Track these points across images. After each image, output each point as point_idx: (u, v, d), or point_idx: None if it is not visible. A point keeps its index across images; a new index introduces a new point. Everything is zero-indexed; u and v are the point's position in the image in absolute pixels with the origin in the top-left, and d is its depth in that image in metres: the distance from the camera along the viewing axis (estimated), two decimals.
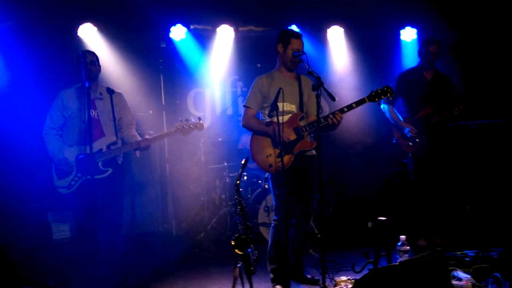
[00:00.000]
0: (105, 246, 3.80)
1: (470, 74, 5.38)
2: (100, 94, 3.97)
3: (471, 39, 5.57)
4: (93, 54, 3.97)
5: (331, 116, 3.42)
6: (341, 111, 3.43)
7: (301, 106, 3.62)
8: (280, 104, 3.30)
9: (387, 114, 4.56)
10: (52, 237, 4.64)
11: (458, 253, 3.83)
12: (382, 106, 4.61)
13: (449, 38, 5.39)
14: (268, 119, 3.53)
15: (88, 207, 3.64)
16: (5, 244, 4.27)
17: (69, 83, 4.01)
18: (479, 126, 5.22)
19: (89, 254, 3.66)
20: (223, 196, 5.33)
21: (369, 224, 3.68)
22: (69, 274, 3.84)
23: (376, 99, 3.46)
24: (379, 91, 3.45)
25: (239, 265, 3.25)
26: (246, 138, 5.25)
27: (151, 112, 5.70)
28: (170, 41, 5.69)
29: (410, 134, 4.36)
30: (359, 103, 3.45)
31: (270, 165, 3.49)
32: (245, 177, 5.23)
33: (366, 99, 3.46)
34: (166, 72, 5.90)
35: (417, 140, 4.39)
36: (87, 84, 3.47)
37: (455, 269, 3.40)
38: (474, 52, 5.52)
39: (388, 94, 3.44)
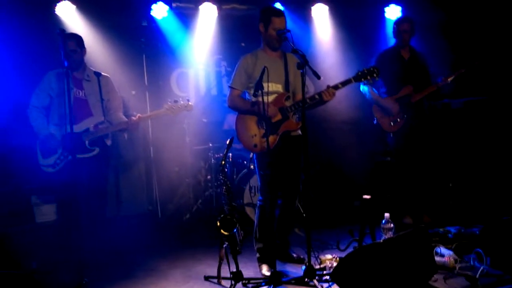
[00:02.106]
0: (89, 227, 3.77)
1: (456, 52, 5.40)
2: (88, 76, 3.95)
3: (455, 17, 5.56)
4: (73, 40, 3.85)
5: (316, 96, 3.39)
6: (335, 87, 3.40)
7: (287, 85, 3.58)
8: (265, 84, 3.24)
9: (367, 95, 4.57)
10: (35, 220, 4.58)
11: (441, 229, 3.89)
12: (362, 87, 4.61)
13: (433, 15, 5.38)
14: (254, 99, 3.49)
15: (73, 186, 3.59)
16: None
17: (48, 63, 3.93)
18: (461, 104, 5.26)
19: (73, 237, 3.63)
20: (208, 177, 5.31)
21: (355, 203, 3.71)
22: (53, 257, 3.81)
23: (362, 79, 3.43)
24: (366, 71, 3.42)
25: (225, 245, 3.27)
26: (231, 119, 5.21)
27: (133, 92, 5.60)
28: (152, 20, 5.55)
29: (391, 112, 4.38)
30: (345, 83, 3.42)
31: (255, 145, 3.47)
32: (231, 158, 5.21)
33: (352, 80, 3.43)
34: (148, 51, 5.77)
35: (398, 119, 4.41)
36: (66, 64, 3.39)
37: (438, 246, 3.46)
38: (459, 29, 5.52)
39: (375, 75, 3.41)
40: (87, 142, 3.81)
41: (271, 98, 3.48)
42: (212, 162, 5.20)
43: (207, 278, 3.44)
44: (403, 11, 5.90)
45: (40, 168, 3.83)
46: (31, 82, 4.06)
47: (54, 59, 3.98)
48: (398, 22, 4.53)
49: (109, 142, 4.01)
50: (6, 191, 4.47)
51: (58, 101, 3.83)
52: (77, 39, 3.90)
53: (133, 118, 3.89)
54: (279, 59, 3.61)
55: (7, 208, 4.37)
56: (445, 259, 3.27)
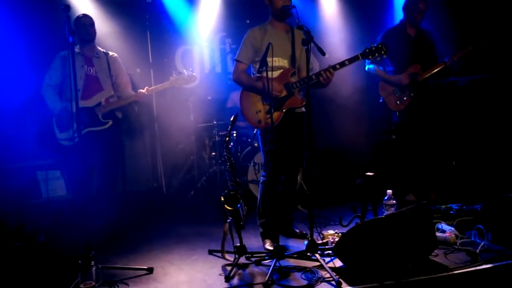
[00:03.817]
0: (97, 204, 3.85)
1: (463, 29, 5.33)
2: (97, 53, 4.10)
3: None
4: (90, 17, 4.04)
5: (322, 72, 3.36)
6: (334, 68, 3.37)
7: (293, 61, 3.55)
8: (270, 60, 3.22)
9: (374, 73, 4.54)
10: (45, 195, 4.65)
11: (443, 206, 3.92)
12: (367, 67, 4.58)
13: None
14: (258, 74, 3.48)
15: (89, 158, 3.78)
16: None
17: (58, 42, 3.99)
18: (467, 82, 5.22)
19: (81, 212, 3.72)
20: (212, 154, 5.35)
21: (357, 181, 3.74)
22: (61, 231, 3.89)
23: (370, 56, 3.40)
24: (373, 48, 3.38)
25: (229, 220, 3.31)
26: (235, 96, 5.20)
27: (138, 70, 5.61)
28: None
29: (402, 83, 4.34)
30: (352, 60, 3.39)
31: (259, 121, 3.47)
32: (235, 135, 5.23)
33: (360, 56, 3.39)
34: (153, 29, 5.75)
35: (404, 98, 4.39)
36: (70, 40, 3.39)
37: (440, 222, 3.49)
38: (465, 5, 5.44)
39: (382, 52, 3.37)
40: (100, 116, 3.95)
41: (276, 73, 3.47)
42: (217, 139, 5.22)
43: (211, 252, 3.51)
44: None
45: (59, 142, 3.97)
46: (41, 62, 4.19)
47: (64, 39, 4.00)
48: (414, 0, 4.38)
49: (120, 115, 4.15)
50: (15, 167, 4.54)
51: (69, 78, 3.87)
52: (91, 18, 4.05)
53: (141, 91, 4.03)
54: (286, 34, 3.57)
55: (16, 183, 4.44)
56: (446, 234, 3.30)
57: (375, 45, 3.40)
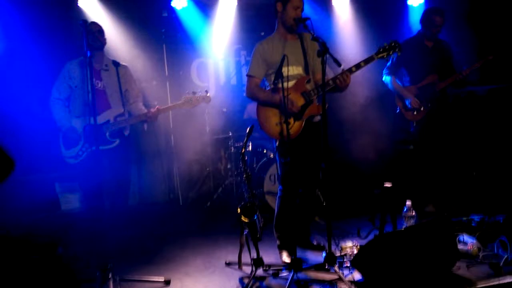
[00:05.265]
0: (112, 216, 3.84)
1: (481, 41, 5.28)
2: (106, 65, 3.98)
3: (479, 4, 5.43)
4: (98, 24, 3.97)
5: (339, 76, 3.32)
6: (349, 70, 3.33)
7: (306, 67, 3.52)
8: (285, 69, 3.20)
9: (390, 86, 4.53)
10: (60, 208, 4.69)
11: (464, 218, 3.84)
12: (384, 77, 4.56)
13: (457, 2, 5.26)
14: (273, 86, 3.46)
15: (96, 177, 3.62)
16: (13, 214, 4.34)
17: (70, 53, 3.99)
18: (486, 91, 5.15)
19: (97, 225, 3.71)
20: (228, 166, 5.35)
21: (375, 191, 3.69)
22: (77, 244, 3.90)
23: (385, 55, 3.36)
24: (387, 47, 3.36)
25: (246, 232, 3.29)
26: (251, 108, 5.22)
27: (154, 83, 5.67)
28: (172, 10, 5.61)
29: (410, 106, 4.34)
30: (367, 61, 3.36)
31: (280, 133, 3.40)
32: (250, 147, 5.23)
33: (375, 56, 3.36)
34: (168, 42, 5.83)
35: (421, 108, 4.35)
36: (88, 54, 3.43)
37: (461, 234, 3.42)
38: (483, 16, 5.39)
39: (397, 49, 3.35)
40: (107, 134, 3.85)
41: (291, 83, 3.45)
42: (232, 151, 5.22)
43: (228, 264, 3.48)
44: None
45: (64, 159, 3.89)
46: (53, 73, 4.11)
47: (74, 50, 4.04)
48: (431, 13, 4.34)
49: (127, 133, 4.02)
50: (32, 179, 4.59)
51: (78, 92, 3.87)
52: (100, 25, 3.97)
53: (152, 110, 3.90)
54: (296, 41, 3.54)
55: (33, 196, 4.49)
56: (468, 247, 3.23)
57: (387, 42, 3.37)
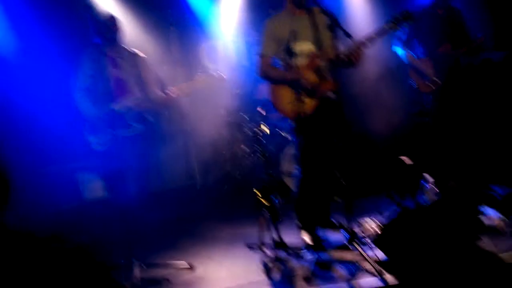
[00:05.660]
0: (134, 203, 3.89)
1: (495, 6, 5.10)
2: (122, 54, 3.99)
3: None
4: (112, 15, 3.94)
5: (351, 51, 3.23)
6: (362, 44, 3.24)
7: (317, 42, 3.38)
8: (295, 45, 3.11)
9: (403, 58, 4.43)
10: (84, 197, 4.75)
11: (488, 191, 3.76)
12: (396, 50, 4.47)
13: None
14: (284, 64, 3.40)
15: (120, 163, 3.72)
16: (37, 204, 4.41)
17: (85, 42, 3.98)
18: (502, 57, 5.00)
19: (120, 212, 3.76)
20: (244, 148, 5.32)
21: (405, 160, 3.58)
22: (103, 232, 3.95)
23: (397, 26, 3.27)
24: (399, 17, 3.25)
25: (265, 214, 3.29)
26: (263, 88, 5.16)
27: (165, 68, 5.62)
28: None
29: (426, 77, 4.25)
30: (379, 33, 3.25)
31: (294, 112, 3.30)
32: (267, 129, 5.18)
33: (386, 28, 3.26)
34: (177, 24, 5.74)
35: (436, 80, 4.26)
36: (96, 40, 3.40)
37: (485, 207, 3.36)
38: None
39: (408, 19, 3.25)
40: (130, 119, 3.88)
41: (303, 60, 3.37)
42: (247, 132, 5.19)
43: (249, 247, 3.50)
44: None
45: (90, 146, 3.92)
46: (69, 63, 4.14)
47: (88, 39, 4.03)
48: None
49: (149, 118, 4.08)
50: (54, 170, 4.65)
51: (95, 80, 3.88)
52: (113, 16, 3.94)
53: (171, 93, 3.90)
54: (305, 16, 3.40)
55: (56, 185, 4.55)
56: (493, 220, 3.18)
57: (399, 13, 3.27)
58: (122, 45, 4.03)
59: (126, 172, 3.79)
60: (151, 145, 4.23)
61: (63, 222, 4.28)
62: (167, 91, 3.96)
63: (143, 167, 4.01)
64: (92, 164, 4.58)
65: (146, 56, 4.17)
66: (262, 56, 3.49)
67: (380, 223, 3.41)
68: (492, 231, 3.12)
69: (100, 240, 3.85)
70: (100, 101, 3.87)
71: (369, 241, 3.23)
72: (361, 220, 3.59)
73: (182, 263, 3.24)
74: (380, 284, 2.67)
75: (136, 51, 4.07)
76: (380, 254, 3.01)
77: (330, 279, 2.81)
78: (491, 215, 3.25)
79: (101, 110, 3.86)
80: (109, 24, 3.85)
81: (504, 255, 2.78)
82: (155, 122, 4.19)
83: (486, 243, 2.98)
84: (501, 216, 3.22)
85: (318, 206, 3.63)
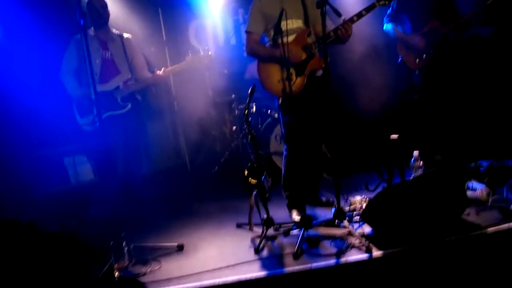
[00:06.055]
0: (124, 184, 3.91)
1: None
2: (112, 37, 4.07)
3: None
4: (103, 1, 3.99)
5: (340, 27, 3.22)
6: (351, 20, 3.24)
7: (306, 19, 3.40)
8: (284, 23, 3.09)
9: (391, 33, 4.39)
10: (75, 180, 4.75)
11: (472, 164, 3.80)
12: (385, 26, 4.43)
13: None
14: (272, 43, 3.37)
15: (111, 143, 3.76)
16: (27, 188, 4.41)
17: (74, 26, 3.93)
18: (491, 32, 4.98)
19: (110, 194, 3.78)
20: (233, 129, 5.32)
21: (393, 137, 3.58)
22: (92, 215, 3.97)
23: (386, 2, 3.25)
24: None
25: (254, 193, 3.30)
26: (253, 68, 5.11)
27: (153, 49, 5.56)
28: None
29: (418, 45, 4.21)
30: (368, 9, 3.24)
31: (282, 90, 3.29)
32: (254, 108, 5.18)
33: (376, 3, 3.25)
34: (164, 5, 5.67)
35: (424, 55, 4.25)
36: (81, 22, 3.36)
37: (470, 180, 3.40)
38: None
39: None
40: (119, 99, 3.95)
41: (291, 37, 3.34)
42: (236, 113, 5.19)
43: (239, 226, 3.53)
44: None
45: (80, 127, 3.99)
46: (57, 48, 4.16)
47: (77, 23, 3.99)
48: None
49: (139, 98, 4.15)
50: (42, 154, 4.63)
51: (84, 62, 3.87)
52: (103, 0, 4.00)
53: (158, 72, 3.98)
54: None
55: (45, 170, 4.54)
56: (477, 193, 3.22)
57: None
58: (111, 29, 4.09)
59: (115, 153, 3.83)
60: (140, 124, 4.27)
61: (53, 205, 4.27)
62: (155, 72, 3.98)
63: (132, 147, 4.06)
64: (81, 147, 4.58)
65: (133, 38, 4.18)
66: (250, 33, 3.46)
67: (367, 198, 3.44)
68: (477, 204, 3.17)
69: (89, 222, 3.88)
70: (89, 82, 3.88)
71: (357, 217, 3.27)
72: (350, 197, 3.62)
73: (172, 244, 3.26)
74: (368, 259, 2.71)
75: (125, 34, 4.12)
76: (367, 229, 3.06)
77: (319, 255, 2.84)
78: (475, 187, 3.29)
79: (90, 91, 3.87)
80: (99, 8, 3.92)
81: (488, 227, 2.82)
82: (143, 101, 4.23)
83: (471, 216, 3.03)
84: (485, 187, 3.26)
85: (306, 184, 3.66)
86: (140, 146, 4.25)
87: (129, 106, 3.98)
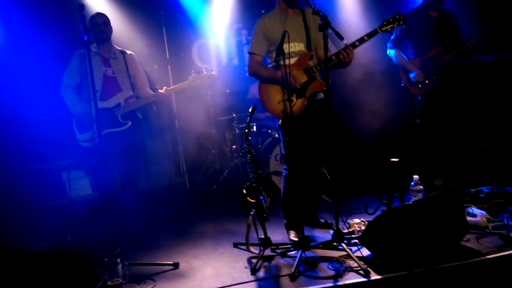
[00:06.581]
0: (121, 201, 3.87)
1: (486, 9, 5.14)
2: (114, 54, 4.06)
3: None
4: (103, 15, 3.99)
5: (342, 51, 3.25)
6: (353, 45, 3.26)
7: (308, 43, 3.45)
8: (286, 45, 3.13)
9: (394, 59, 4.44)
10: (71, 195, 4.72)
11: (473, 190, 3.79)
12: (388, 51, 4.48)
13: None
14: (275, 64, 3.40)
15: (110, 161, 3.74)
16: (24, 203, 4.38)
17: (76, 41, 3.97)
18: (492, 60, 5.04)
19: (106, 210, 3.74)
20: (233, 148, 5.32)
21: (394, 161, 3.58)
22: (87, 230, 3.93)
23: (389, 29, 3.29)
24: (391, 20, 3.27)
25: (252, 213, 3.28)
26: (254, 88, 5.16)
27: (156, 66, 5.62)
28: None
29: (415, 79, 4.26)
30: (371, 35, 3.27)
31: (283, 111, 3.33)
32: (255, 127, 5.19)
33: (378, 30, 3.28)
34: (168, 24, 5.75)
35: (426, 81, 4.28)
36: (85, 38, 3.38)
37: (470, 206, 3.38)
38: None
39: (401, 22, 3.26)
40: (119, 116, 3.93)
41: (293, 60, 3.38)
42: (237, 132, 5.19)
43: (236, 245, 3.49)
44: None
45: (79, 143, 3.95)
46: (59, 62, 4.15)
47: (81, 39, 4.01)
48: None
49: (140, 115, 4.12)
50: (41, 167, 4.62)
51: (86, 78, 3.88)
52: (105, 16, 3.99)
53: (160, 91, 3.96)
54: (297, 16, 3.46)
55: (42, 183, 4.52)
56: (478, 218, 3.20)
57: (392, 16, 3.29)
58: (113, 44, 4.09)
59: (113, 170, 3.79)
60: (140, 142, 4.22)
61: (50, 220, 4.24)
62: (157, 91, 3.98)
63: (130, 164, 4.02)
64: (79, 162, 4.56)
65: (136, 55, 4.20)
66: (252, 54, 3.49)
67: (366, 221, 3.41)
68: (477, 230, 3.14)
69: (85, 238, 3.83)
70: (89, 98, 3.87)
71: (355, 239, 3.24)
72: (348, 219, 3.59)
73: (167, 263, 3.22)
74: (365, 282, 2.67)
75: (127, 51, 4.13)
76: (365, 252, 3.02)
77: (316, 277, 2.80)
78: (475, 213, 3.27)
79: (90, 107, 3.87)
80: (101, 25, 3.92)
81: (487, 254, 2.78)
82: (143, 119, 4.22)
83: (470, 242, 3.00)
84: (485, 213, 3.23)
85: (305, 205, 3.64)
86: (138, 164, 4.20)
87: (129, 123, 3.96)
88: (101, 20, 3.94)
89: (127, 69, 4.03)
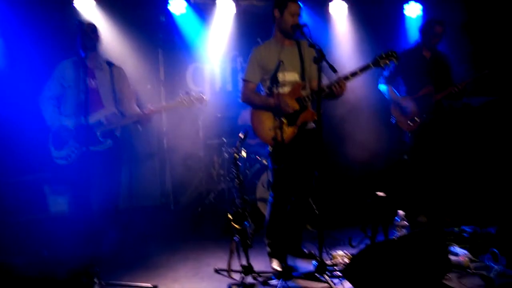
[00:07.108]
0: (101, 219, 3.77)
1: (478, 52, 5.30)
2: (100, 64, 3.90)
3: (476, 15, 5.46)
4: (92, 24, 3.89)
5: (335, 84, 3.30)
6: (345, 78, 3.32)
7: (303, 73, 3.50)
8: (280, 74, 3.18)
9: (387, 94, 4.53)
10: (48, 210, 4.62)
11: (456, 229, 3.81)
12: (380, 86, 4.57)
13: (455, 15, 5.28)
14: (268, 92, 3.45)
15: (86, 179, 3.57)
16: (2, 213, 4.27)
17: (66, 54, 3.93)
18: (481, 103, 5.16)
19: (85, 228, 3.63)
20: (221, 172, 5.31)
21: (367, 200, 3.65)
22: (64, 247, 3.83)
23: (381, 64, 3.34)
24: (384, 56, 3.33)
25: (236, 238, 3.25)
26: (245, 114, 5.19)
27: (149, 86, 5.63)
28: (169, 15, 5.57)
29: (409, 111, 4.33)
30: (363, 69, 3.33)
31: (273, 138, 3.33)
32: (244, 153, 5.19)
33: (371, 65, 3.33)
34: (165, 46, 5.80)
35: (416, 119, 4.35)
36: (82, 55, 3.39)
37: (453, 245, 3.40)
38: (480, 28, 5.42)
39: (394, 59, 3.33)
40: (99, 134, 3.76)
41: (287, 89, 3.43)
42: (225, 156, 5.19)
43: (217, 271, 3.43)
44: (424, 9, 5.81)
45: (53, 160, 3.79)
46: (47, 72, 4.01)
47: (69, 50, 3.98)
48: (432, 24, 4.35)
49: (118, 133, 3.94)
50: (20, 180, 4.53)
51: (70, 91, 3.78)
52: (93, 25, 3.88)
53: (145, 110, 3.83)
54: (293, 47, 3.53)
55: (21, 197, 4.42)
56: (460, 258, 3.21)
57: (385, 52, 3.35)
58: (101, 56, 3.97)
59: (90, 188, 3.61)
60: (120, 161, 4.05)
61: (27, 234, 4.13)
62: (143, 108, 3.87)
63: (109, 184, 3.87)
64: (56, 176, 4.41)
65: (130, 74, 4.12)
66: (246, 81, 3.54)
67: (350, 254, 3.40)
68: (459, 269, 3.14)
69: (61, 256, 3.72)
70: (71, 112, 3.77)
71: (338, 272, 3.21)
72: (332, 251, 3.57)
73: (146, 285, 3.15)
74: None
75: (115, 64, 3.99)
76: (347, 285, 2.99)
77: None
78: (458, 252, 3.28)
79: (69, 122, 3.77)
80: (89, 32, 3.77)
81: None
82: (126, 138, 4.06)
83: (452, 281, 2.99)
84: (467, 253, 3.25)
85: (289, 234, 3.61)
86: (115, 184, 3.99)
87: (109, 142, 3.79)
88: (89, 28, 3.78)
89: (113, 82, 3.84)
